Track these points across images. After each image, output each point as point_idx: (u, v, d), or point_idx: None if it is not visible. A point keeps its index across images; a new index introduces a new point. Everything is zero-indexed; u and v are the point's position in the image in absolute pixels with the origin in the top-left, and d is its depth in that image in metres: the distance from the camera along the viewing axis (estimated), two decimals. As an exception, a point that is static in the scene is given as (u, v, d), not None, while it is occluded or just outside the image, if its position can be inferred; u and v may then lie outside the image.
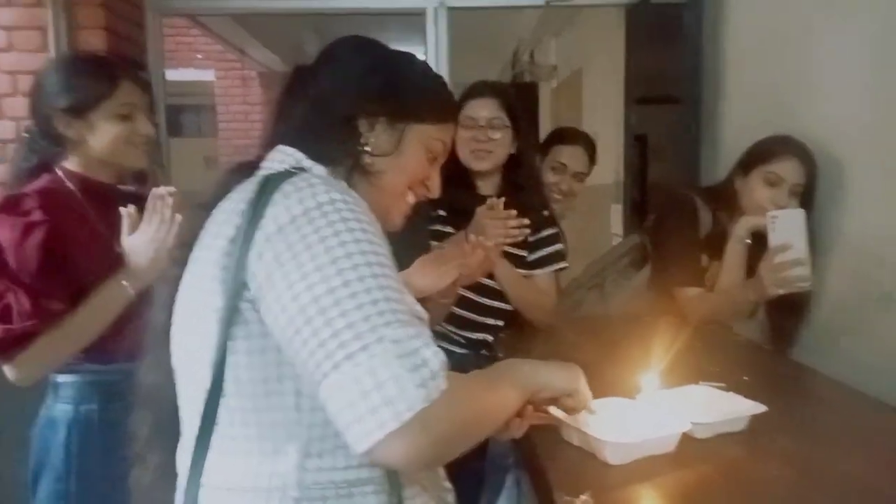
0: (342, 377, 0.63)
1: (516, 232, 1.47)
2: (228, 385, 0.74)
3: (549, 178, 1.84)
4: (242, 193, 0.77)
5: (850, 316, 1.59)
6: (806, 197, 1.62)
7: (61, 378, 1.32)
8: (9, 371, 1.21)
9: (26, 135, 1.36)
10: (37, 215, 1.22)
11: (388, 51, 0.92)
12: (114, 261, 1.29)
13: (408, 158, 0.86)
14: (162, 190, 1.30)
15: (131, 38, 2.76)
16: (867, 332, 1.54)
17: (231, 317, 0.72)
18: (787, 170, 1.60)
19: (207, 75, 5.88)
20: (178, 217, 1.29)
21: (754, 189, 1.64)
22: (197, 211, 0.83)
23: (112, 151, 1.32)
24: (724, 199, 1.72)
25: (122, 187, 1.41)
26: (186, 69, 5.72)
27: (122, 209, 1.30)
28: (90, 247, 1.29)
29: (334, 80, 0.87)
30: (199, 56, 5.72)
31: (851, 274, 1.59)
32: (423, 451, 0.65)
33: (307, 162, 0.83)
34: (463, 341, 1.67)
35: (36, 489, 1.32)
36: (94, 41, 2.52)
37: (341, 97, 0.85)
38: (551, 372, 0.85)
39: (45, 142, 1.32)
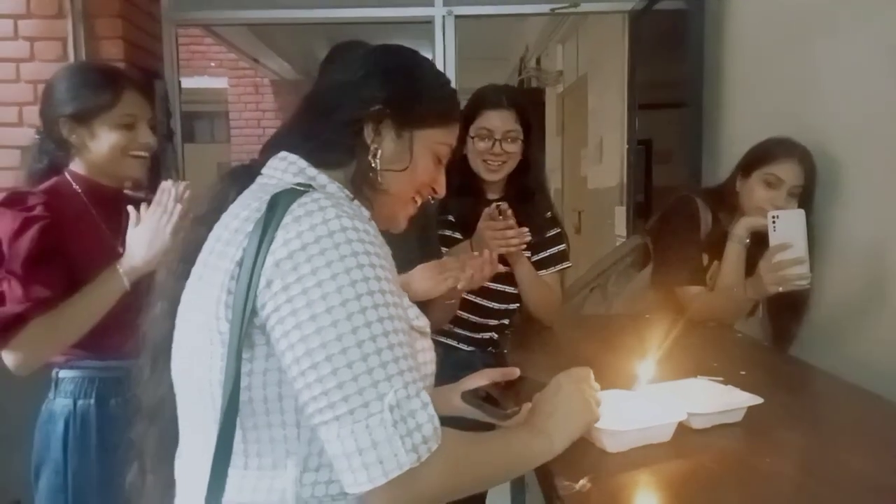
0: (342, 429, 0.68)
1: (516, 241, 1.51)
2: None
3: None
4: (248, 210, 0.75)
5: (849, 314, 1.61)
6: (805, 198, 1.65)
7: (62, 373, 1.36)
8: (6, 357, 1.25)
9: (37, 137, 1.42)
10: (38, 211, 1.28)
11: (392, 50, 0.89)
12: (115, 260, 1.33)
13: (415, 166, 0.85)
14: (168, 183, 1.35)
15: (148, 48, 2.83)
16: (865, 330, 1.56)
17: (242, 342, 0.71)
18: (786, 171, 1.64)
19: (221, 83, 5.96)
20: (179, 207, 1.33)
21: (754, 190, 1.67)
22: (196, 224, 0.83)
23: (110, 158, 1.38)
24: (725, 201, 1.75)
25: (131, 193, 1.47)
26: (200, 77, 5.80)
27: (129, 207, 1.36)
28: (91, 244, 1.34)
29: (337, 84, 0.86)
30: (213, 64, 5.81)
31: (851, 273, 1.61)
32: (404, 503, 0.71)
33: (311, 170, 0.82)
34: (470, 340, 1.71)
35: (37, 483, 1.35)
36: (112, 51, 2.60)
37: (345, 102, 0.84)
38: (567, 432, 0.87)
39: (52, 145, 1.38)
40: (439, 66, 3.05)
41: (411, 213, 0.91)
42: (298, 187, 0.76)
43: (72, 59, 2.53)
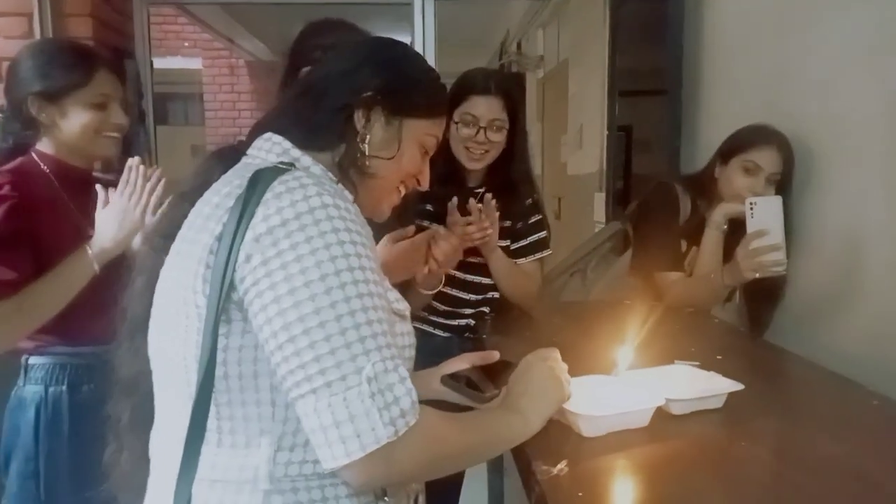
0: (319, 402, 0.67)
1: (478, 236, 1.49)
2: None
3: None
4: (229, 187, 0.76)
5: (824, 301, 1.64)
6: (783, 185, 1.66)
7: (32, 360, 1.34)
8: None
9: (0, 116, 1.38)
10: (4, 191, 1.24)
11: (386, 42, 0.91)
12: (84, 242, 1.30)
13: (402, 154, 0.86)
14: (135, 160, 1.32)
15: (118, 27, 2.75)
16: (840, 316, 1.58)
17: (219, 317, 0.71)
18: (765, 158, 1.64)
19: (195, 63, 5.84)
20: (149, 187, 1.31)
21: (732, 177, 1.68)
22: (179, 200, 0.83)
23: (82, 138, 1.35)
24: (704, 187, 1.76)
25: (100, 175, 1.43)
26: (174, 57, 5.68)
27: (97, 187, 1.33)
28: (60, 226, 1.31)
29: (330, 72, 0.86)
30: (187, 44, 5.69)
31: (827, 260, 1.63)
32: (382, 479, 0.72)
33: (295, 151, 0.82)
34: (445, 327, 1.70)
35: (7, 469, 1.33)
36: (81, 29, 2.51)
37: (338, 87, 0.84)
38: (540, 409, 0.88)
39: (18, 124, 1.34)
40: (418, 50, 3.02)
41: (395, 202, 0.93)
42: (281, 166, 0.77)
43: (38, 35, 2.44)
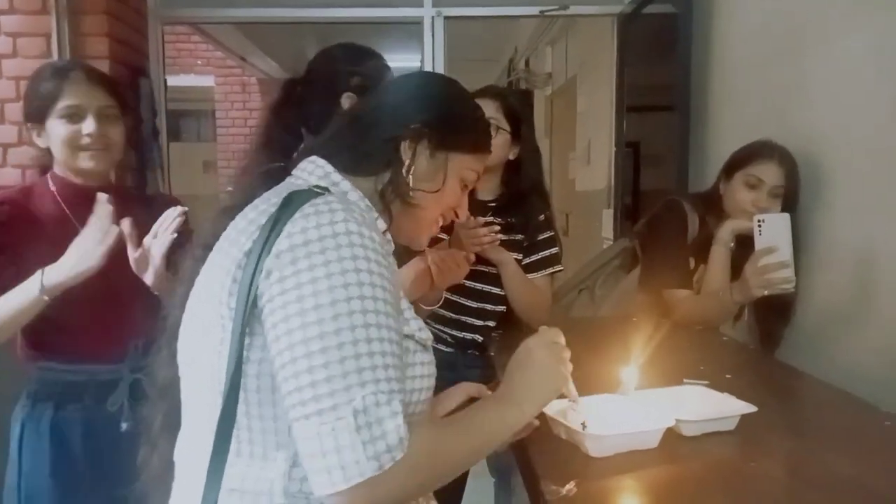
0: (310, 430, 0.68)
1: (487, 239, 1.52)
2: None
3: None
4: (266, 204, 0.79)
5: (835, 318, 1.63)
6: (788, 199, 1.66)
7: (30, 374, 1.35)
8: None
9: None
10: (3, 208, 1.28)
11: (436, 78, 0.96)
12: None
13: (445, 189, 0.89)
14: (104, 197, 1.26)
15: (133, 45, 2.80)
16: (850, 334, 1.57)
17: (245, 329, 0.73)
18: (766, 172, 1.64)
19: (207, 81, 5.92)
20: (167, 226, 1.25)
21: (736, 192, 1.68)
22: (223, 215, 0.85)
23: (62, 153, 1.33)
24: (711, 204, 1.76)
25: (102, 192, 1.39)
26: (187, 75, 5.76)
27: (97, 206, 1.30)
28: (60, 244, 1.25)
29: (381, 100, 0.90)
30: (200, 62, 5.77)
31: (837, 277, 1.62)
32: None
33: (336, 176, 0.85)
34: (451, 340, 1.70)
35: (3, 478, 1.36)
36: (97, 48, 2.56)
37: (388, 118, 0.88)
38: (537, 397, 0.86)
39: (34, 148, 1.38)
40: (427, 67, 3.05)
41: (434, 232, 0.95)
42: (317, 189, 0.79)
43: (55, 55, 2.49)
